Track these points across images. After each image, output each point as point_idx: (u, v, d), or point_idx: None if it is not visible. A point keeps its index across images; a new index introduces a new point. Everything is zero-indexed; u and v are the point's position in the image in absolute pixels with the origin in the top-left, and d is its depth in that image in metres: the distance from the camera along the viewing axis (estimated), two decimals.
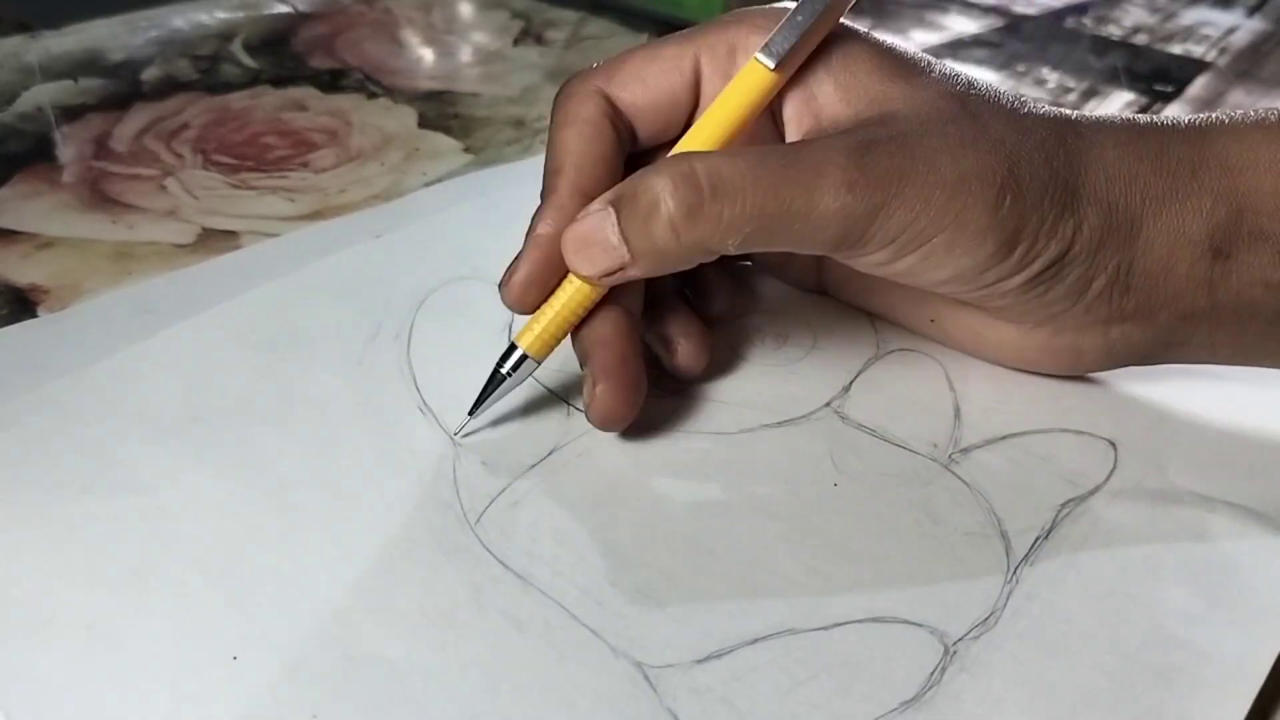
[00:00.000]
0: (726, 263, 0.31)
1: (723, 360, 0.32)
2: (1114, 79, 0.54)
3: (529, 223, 0.29)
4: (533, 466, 0.28)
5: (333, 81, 0.50)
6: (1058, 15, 0.62)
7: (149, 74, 0.49)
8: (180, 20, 0.54)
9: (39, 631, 0.23)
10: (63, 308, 0.34)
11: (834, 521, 0.27)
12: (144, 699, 0.22)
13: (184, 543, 0.25)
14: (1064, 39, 0.59)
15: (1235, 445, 0.30)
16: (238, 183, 0.41)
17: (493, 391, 0.29)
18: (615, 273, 0.27)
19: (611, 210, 0.27)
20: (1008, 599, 0.25)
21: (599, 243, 0.27)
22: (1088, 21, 0.61)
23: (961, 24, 0.60)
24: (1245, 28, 0.61)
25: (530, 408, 0.30)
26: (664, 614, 0.25)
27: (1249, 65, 0.56)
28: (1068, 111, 0.29)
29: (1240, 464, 0.29)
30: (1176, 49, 0.58)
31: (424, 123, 0.47)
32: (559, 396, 0.31)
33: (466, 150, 0.44)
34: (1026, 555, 0.26)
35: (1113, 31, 0.60)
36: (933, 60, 0.29)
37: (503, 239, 0.37)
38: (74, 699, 0.22)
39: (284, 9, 0.57)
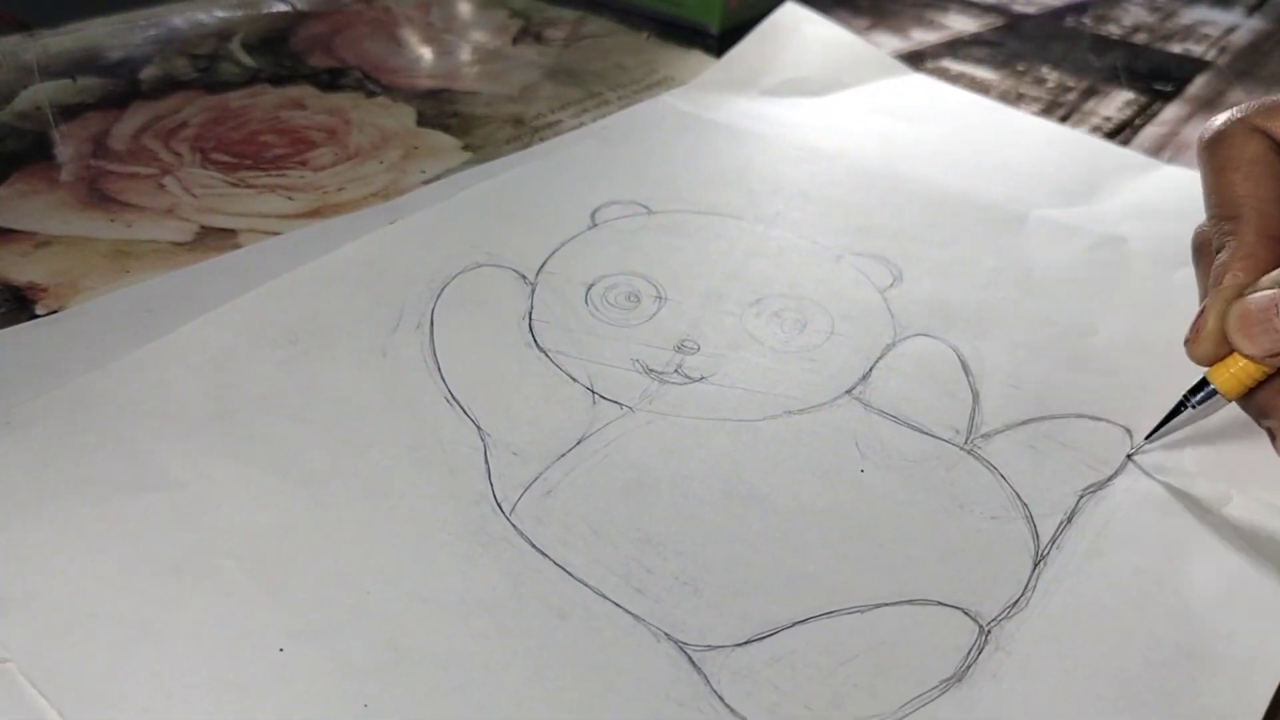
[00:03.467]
0: None
1: (745, 348, 0.33)
2: (1114, 78, 0.54)
3: (1207, 278, 0.27)
4: (563, 455, 0.28)
5: (331, 80, 0.50)
6: (1057, 14, 0.62)
7: (147, 73, 0.49)
8: (179, 19, 0.54)
9: (83, 627, 0.23)
10: (61, 306, 0.34)
11: (863, 507, 0.28)
12: (192, 691, 0.22)
13: (221, 537, 0.26)
14: (1064, 38, 0.59)
15: (1249, 434, 0.30)
16: (236, 181, 0.41)
17: (1173, 419, 0.29)
18: (1277, 355, 0.26)
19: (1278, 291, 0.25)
20: (1037, 580, 0.26)
21: (1263, 323, 0.26)
22: (1087, 20, 0.61)
23: (961, 23, 0.60)
24: (1245, 27, 0.61)
25: (557, 398, 0.30)
26: (702, 599, 0.25)
27: (1248, 64, 0.56)
28: None
29: (1255, 451, 0.30)
30: (1176, 48, 0.58)
31: (423, 121, 0.46)
32: (584, 386, 0.31)
33: (465, 148, 0.44)
34: (1053, 538, 0.27)
35: (1112, 30, 0.60)
36: None
37: (517, 223, 0.37)
38: (122, 692, 0.22)
39: (283, 8, 0.56)
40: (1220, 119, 0.29)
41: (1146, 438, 0.29)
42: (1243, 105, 0.29)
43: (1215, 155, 0.28)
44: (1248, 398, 0.28)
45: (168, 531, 0.26)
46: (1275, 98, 0.29)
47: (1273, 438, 0.28)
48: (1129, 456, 0.30)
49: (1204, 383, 0.28)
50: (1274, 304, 0.26)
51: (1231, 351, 0.27)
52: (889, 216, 0.39)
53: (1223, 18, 0.62)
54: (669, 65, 0.53)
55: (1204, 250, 0.29)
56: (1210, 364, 0.28)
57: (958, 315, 0.34)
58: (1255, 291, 0.26)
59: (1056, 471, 0.29)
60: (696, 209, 0.39)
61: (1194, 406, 0.28)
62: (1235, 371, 0.27)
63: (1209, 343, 0.27)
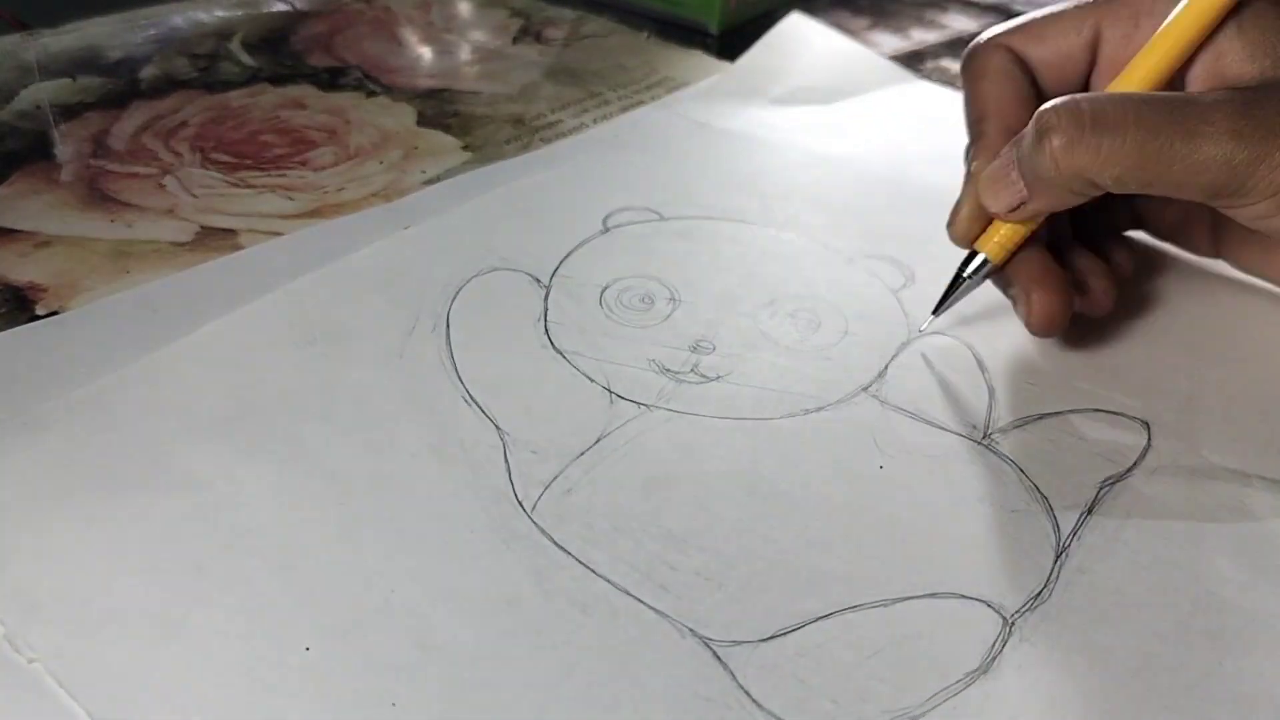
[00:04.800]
0: (1119, 224, 0.35)
1: (760, 347, 0.33)
2: None
3: (964, 165, 0.32)
4: (582, 454, 0.28)
5: (331, 80, 0.50)
6: None
7: (147, 72, 0.49)
8: (179, 18, 0.54)
9: (108, 627, 0.23)
10: (61, 306, 0.34)
11: (883, 502, 0.28)
12: (218, 690, 0.22)
13: (244, 537, 0.26)
14: None
15: (1264, 423, 0.31)
16: (236, 181, 0.41)
17: (955, 292, 0.32)
18: (1018, 208, 0.30)
19: (1013, 149, 0.30)
20: (1059, 572, 0.26)
21: (1002, 179, 0.30)
22: None
23: (961, 22, 0.60)
24: None
25: (575, 397, 0.30)
26: (725, 595, 0.25)
27: None
28: None
29: (1271, 441, 0.30)
30: None
31: (423, 121, 0.46)
32: (602, 386, 0.31)
33: (465, 148, 0.44)
34: (1074, 530, 0.27)
35: None
36: None
37: (530, 228, 0.37)
38: (149, 691, 0.22)
39: (283, 7, 0.56)
40: (977, 39, 0.34)
41: (933, 312, 0.33)
42: (993, 27, 0.34)
43: (968, 69, 0.33)
44: (1000, 272, 0.33)
45: (192, 531, 0.26)
46: (1021, 19, 0.33)
47: (1015, 304, 0.32)
48: (920, 331, 0.33)
49: (974, 254, 0.32)
50: (1010, 163, 0.30)
51: (987, 226, 0.32)
52: (899, 219, 0.39)
53: None
54: (669, 65, 0.53)
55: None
56: (969, 242, 0.32)
57: (971, 313, 0.34)
58: (998, 157, 0.31)
59: (1075, 464, 0.29)
60: (708, 214, 0.39)
61: (969, 277, 0.32)
62: (999, 239, 0.31)
63: (964, 222, 0.32)
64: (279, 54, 0.52)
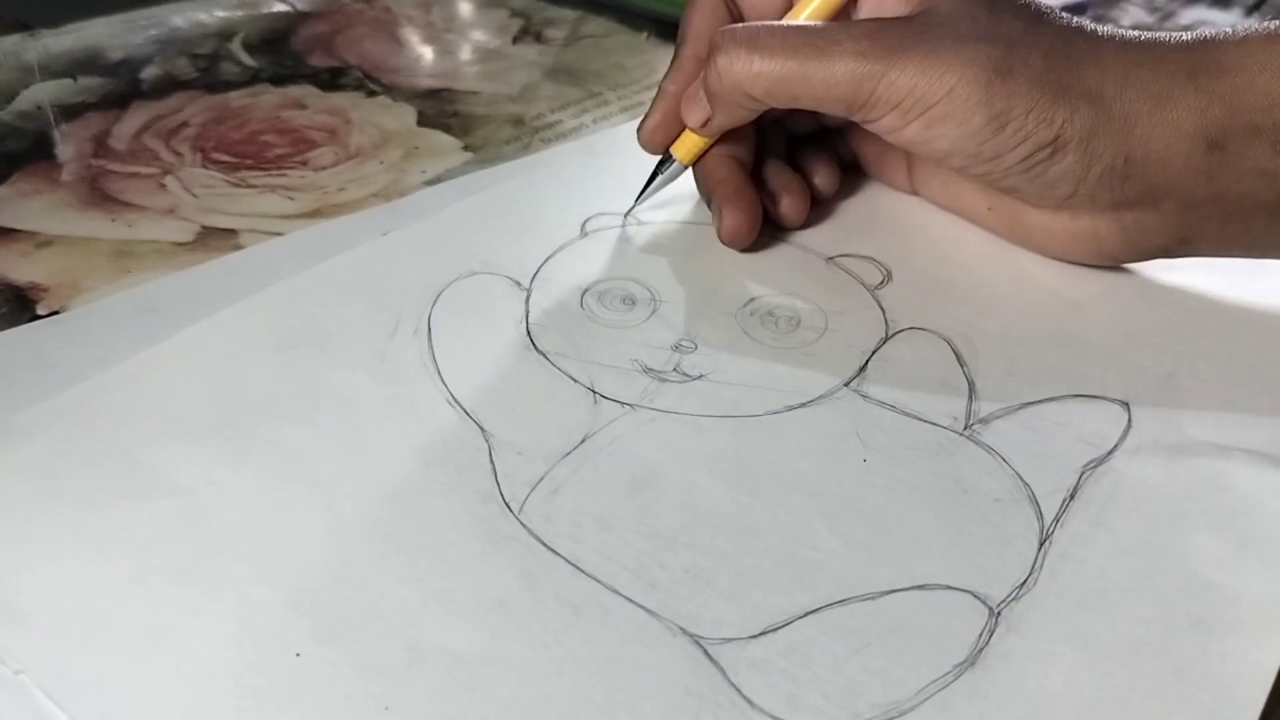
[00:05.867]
0: (828, 147, 0.40)
1: (741, 346, 0.33)
2: None
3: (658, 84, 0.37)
4: (568, 454, 0.29)
5: (332, 80, 0.50)
6: None
7: (148, 72, 0.49)
8: (179, 19, 0.54)
9: (96, 636, 0.23)
10: (62, 306, 0.34)
11: (868, 496, 0.28)
12: (208, 698, 0.22)
13: (231, 543, 0.26)
14: None
15: (1243, 394, 0.31)
16: (237, 181, 0.41)
17: (651, 184, 0.38)
18: (707, 123, 0.35)
19: (704, 73, 0.34)
20: (1044, 560, 0.26)
21: (694, 98, 0.35)
22: (1087, 21, 0.61)
23: None
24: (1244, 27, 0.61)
25: (559, 398, 0.31)
26: (714, 591, 0.25)
27: None
28: (1091, 24, 0.33)
29: (1251, 412, 0.30)
30: None
31: (423, 121, 0.47)
32: (585, 386, 0.31)
33: (466, 148, 0.44)
34: (1057, 517, 0.27)
35: None
36: None
37: (509, 233, 0.38)
38: (137, 702, 0.22)
39: (283, 8, 0.57)
40: None
41: (636, 199, 0.38)
42: None
43: (687, 2, 0.38)
44: (700, 188, 0.38)
45: (177, 538, 0.26)
46: None
47: (713, 218, 0.37)
48: (626, 214, 0.38)
49: (669, 157, 0.37)
50: (699, 89, 0.35)
51: (673, 137, 0.37)
52: (875, 219, 0.40)
53: (1221, 18, 0.62)
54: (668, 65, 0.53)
55: None
56: (656, 150, 0.38)
57: (948, 307, 0.35)
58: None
59: (1056, 450, 0.29)
60: (686, 219, 0.39)
61: (663, 172, 0.38)
62: (689, 145, 0.37)
63: (649, 131, 0.37)
64: (280, 54, 0.52)
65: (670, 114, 0.37)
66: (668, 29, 0.56)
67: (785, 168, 0.38)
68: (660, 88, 0.37)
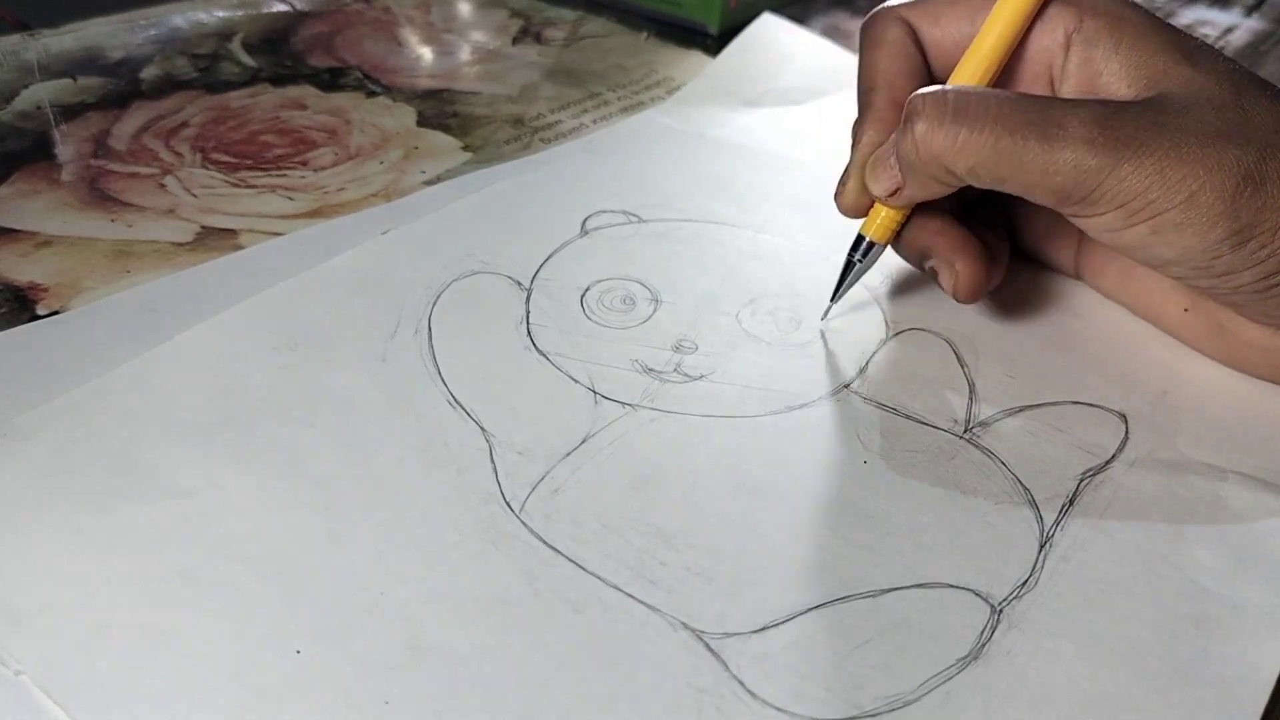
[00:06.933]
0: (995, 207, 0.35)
1: (742, 346, 0.33)
2: None
3: (851, 136, 0.33)
4: (569, 454, 0.29)
5: (332, 80, 0.50)
6: None
7: (148, 72, 0.49)
8: (179, 19, 0.54)
9: (97, 637, 0.23)
10: (62, 306, 0.34)
11: (869, 497, 0.28)
12: (209, 697, 0.22)
13: (231, 543, 0.26)
14: None
15: (1240, 421, 0.31)
16: (237, 181, 0.41)
17: (848, 277, 0.33)
18: (895, 193, 0.31)
19: (895, 136, 0.30)
20: (1044, 561, 0.27)
21: (884, 164, 0.31)
22: None
23: None
24: (1244, 27, 0.61)
25: (559, 398, 0.31)
26: (716, 588, 0.25)
27: (1247, 64, 0.56)
28: None
29: (1244, 436, 0.31)
30: None
31: (423, 121, 0.47)
32: (586, 387, 0.31)
33: (465, 149, 0.44)
34: (1057, 520, 0.28)
35: None
36: (1223, 54, 0.30)
37: (509, 233, 0.37)
38: (139, 702, 0.22)
39: (283, 8, 0.57)
40: (878, 9, 0.34)
41: (831, 299, 0.34)
42: (895, 1, 0.34)
43: (865, 38, 0.33)
44: (904, 246, 0.33)
45: (178, 539, 0.26)
46: None
47: (935, 276, 0.32)
48: (822, 319, 0.34)
49: (860, 239, 0.33)
50: (889, 153, 0.31)
51: (873, 203, 0.32)
52: None
53: (1221, 18, 0.62)
54: (668, 65, 0.53)
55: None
56: (856, 215, 0.33)
57: (949, 309, 0.35)
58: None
59: (1056, 457, 0.29)
60: (686, 217, 0.39)
61: (859, 260, 0.33)
62: (882, 220, 0.32)
63: (851, 195, 0.33)
64: (279, 54, 0.52)
65: None
66: (667, 29, 0.56)
67: (971, 224, 0.33)
68: (855, 141, 0.33)
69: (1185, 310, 0.33)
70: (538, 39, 0.55)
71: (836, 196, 0.33)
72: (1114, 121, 0.27)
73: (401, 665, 0.23)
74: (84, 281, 0.35)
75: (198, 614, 0.24)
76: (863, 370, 0.32)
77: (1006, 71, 0.32)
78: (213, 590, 0.25)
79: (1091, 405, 0.31)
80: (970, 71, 0.31)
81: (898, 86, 0.32)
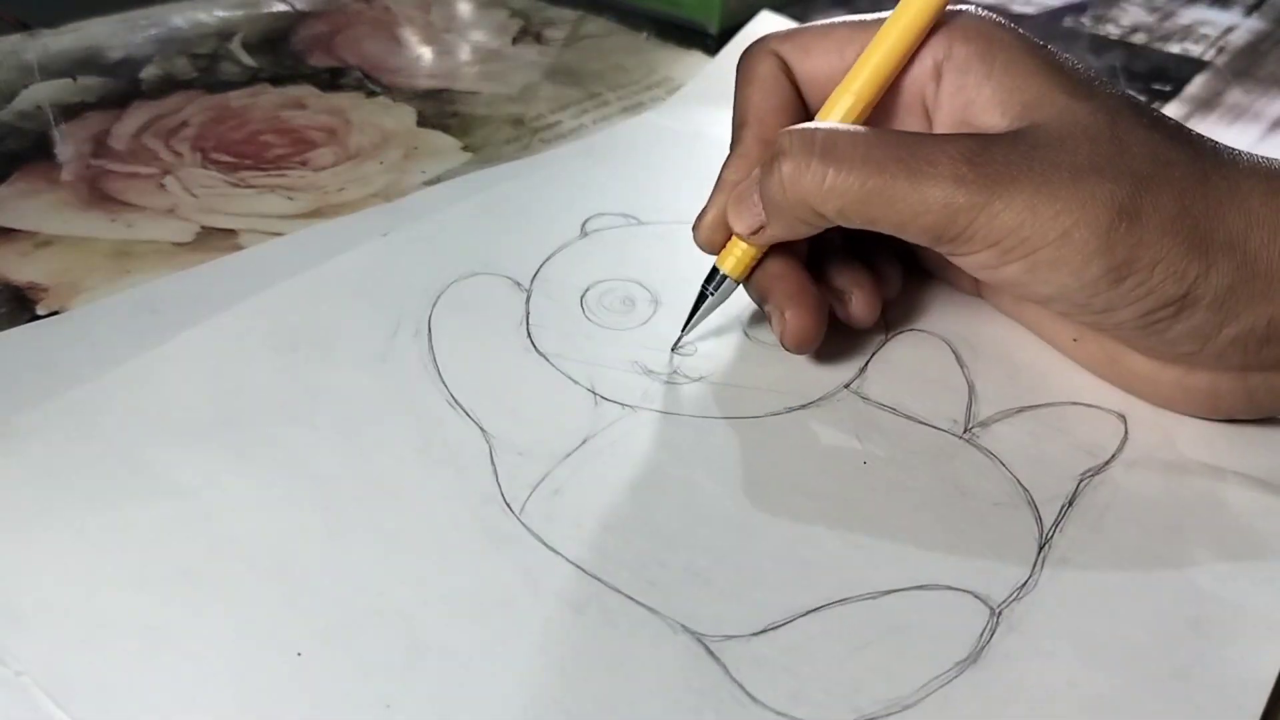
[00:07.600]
0: (894, 249, 0.33)
1: (741, 347, 0.33)
2: (1112, 78, 0.54)
3: (718, 171, 0.32)
4: (569, 455, 0.29)
5: (332, 80, 0.50)
6: (1055, 14, 0.62)
7: (148, 72, 0.49)
8: (179, 18, 0.54)
9: (96, 637, 0.23)
10: (62, 306, 0.34)
11: (868, 498, 0.28)
12: (211, 698, 0.22)
13: (232, 544, 0.26)
14: (1062, 38, 0.59)
15: (1237, 422, 0.31)
16: (237, 181, 0.41)
17: (699, 309, 0.32)
18: (759, 231, 0.30)
19: (759, 172, 0.29)
20: (1043, 563, 0.26)
21: (747, 200, 0.30)
22: (1086, 21, 0.61)
23: None
24: (1243, 27, 0.61)
25: (559, 399, 0.31)
26: (715, 590, 0.25)
27: (1247, 64, 0.56)
28: (1227, 148, 0.28)
29: (1242, 437, 0.30)
30: (1174, 48, 0.58)
31: (423, 121, 0.47)
32: (585, 388, 0.31)
33: (465, 148, 0.44)
34: (1056, 522, 0.28)
35: (1110, 31, 0.60)
36: (1102, 80, 0.29)
37: (509, 233, 0.37)
38: (140, 703, 0.22)
39: (283, 7, 0.57)
40: (751, 43, 0.32)
41: (683, 329, 0.32)
42: (773, 31, 0.33)
43: (739, 72, 0.32)
44: (750, 286, 0.32)
45: (179, 539, 0.26)
46: (799, 28, 0.32)
47: (770, 320, 0.31)
48: (673, 349, 0.32)
49: (715, 271, 0.32)
50: (752, 190, 0.29)
51: (730, 238, 0.31)
52: None
53: (1221, 18, 0.62)
54: (668, 65, 0.53)
55: None
56: (712, 250, 0.32)
57: (949, 309, 0.35)
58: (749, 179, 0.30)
59: (1055, 457, 0.29)
60: (685, 219, 0.39)
61: (712, 293, 0.32)
62: (739, 255, 0.31)
63: (708, 229, 0.31)
64: (279, 54, 0.52)
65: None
66: (667, 29, 0.56)
67: (847, 260, 0.32)
68: (720, 177, 0.31)
69: (1074, 340, 0.32)
70: (538, 39, 0.55)
71: (694, 229, 0.32)
72: (984, 157, 0.26)
73: (402, 667, 0.23)
74: (84, 281, 0.35)
75: (199, 615, 0.24)
76: (862, 371, 0.32)
77: (879, 103, 0.30)
78: (214, 591, 0.25)
79: (1091, 406, 0.31)
80: (841, 107, 0.30)
81: (767, 123, 0.31)
